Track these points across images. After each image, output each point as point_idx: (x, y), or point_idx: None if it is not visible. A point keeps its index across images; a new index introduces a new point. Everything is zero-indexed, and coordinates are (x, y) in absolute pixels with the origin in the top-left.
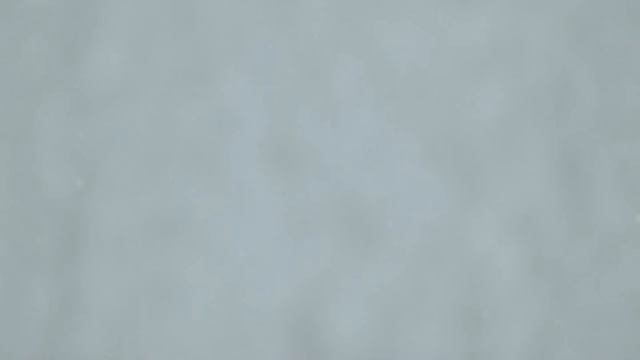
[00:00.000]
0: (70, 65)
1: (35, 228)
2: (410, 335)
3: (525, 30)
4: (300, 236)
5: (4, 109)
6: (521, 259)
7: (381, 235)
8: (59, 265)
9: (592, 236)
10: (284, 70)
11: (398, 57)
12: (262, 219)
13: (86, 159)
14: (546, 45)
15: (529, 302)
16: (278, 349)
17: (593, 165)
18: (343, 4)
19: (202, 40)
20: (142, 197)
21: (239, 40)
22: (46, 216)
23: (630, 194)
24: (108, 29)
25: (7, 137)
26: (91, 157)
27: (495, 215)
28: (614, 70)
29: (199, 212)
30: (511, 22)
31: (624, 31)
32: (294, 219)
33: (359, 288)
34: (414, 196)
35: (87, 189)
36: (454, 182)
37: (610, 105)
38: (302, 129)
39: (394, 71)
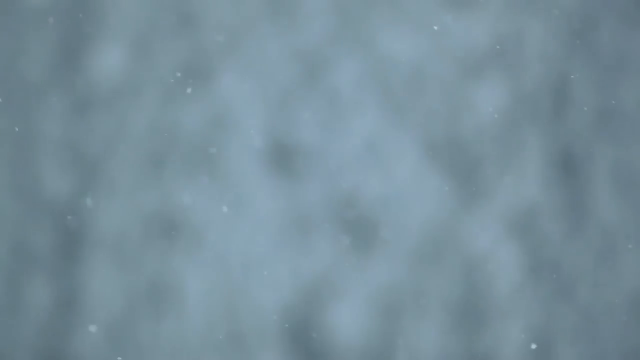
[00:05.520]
0: (70, 65)
1: (35, 228)
2: (410, 335)
3: (524, 30)
4: (300, 236)
5: (4, 109)
6: (521, 258)
7: (381, 235)
8: (59, 265)
9: (592, 236)
10: (284, 70)
11: (398, 57)
12: (262, 218)
13: (86, 159)
14: (545, 45)
15: (529, 302)
16: (277, 349)
17: (592, 165)
18: (343, 4)
19: (202, 40)
20: (142, 197)
21: (239, 40)
22: (46, 216)
23: (630, 193)
24: (108, 28)
25: (7, 137)
26: (91, 157)
27: (495, 215)
28: (613, 70)
29: (199, 212)
30: (511, 22)
31: (623, 31)
32: (294, 219)
33: (358, 288)
34: (414, 196)
35: (87, 189)
36: (453, 182)
37: (609, 105)
38: (302, 129)
39: (394, 71)
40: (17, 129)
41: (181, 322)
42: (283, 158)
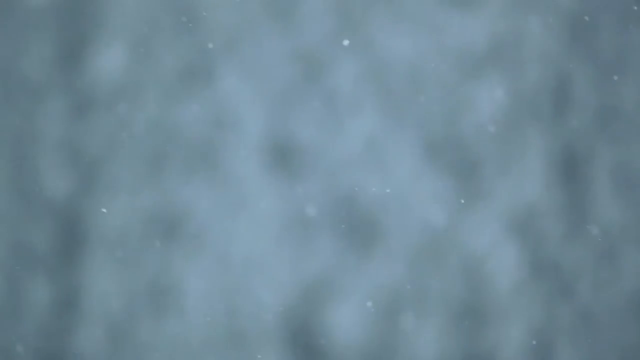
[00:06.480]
0: (70, 65)
1: (35, 228)
2: (410, 335)
3: (524, 30)
4: (300, 236)
5: (4, 109)
6: (521, 258)
7: (381, 235)
8: (59, 265)
9: (592, 236)
10: (284, 70)
11: (398, 57)
12: (262, 218)
13: (86, 159)
14: (545, 45)
15: (529, 302)
16: (278, 349)
17: (592, 165)
18: (343, 4)
19: (202, 40)
20: (142, 197)
21: (239, 40)
22: (46, 216)
23: (630, 193)
24: (108, 28)
25: (7, 137)
26: (91, 157)
27: (495, 215)
28: (613, 70)
29: (199, 212)
30: (511, 22)
31: (623, 31)
32: (294, 218)
33: (359, 288)
34: (414, 196)
35: (87, 189)
36: (453, 182)
37: (610, 105)
38: (302, 129)
39: (394, 71)
40: (17, 129)
41: (181, 322)
42: (283, 158)
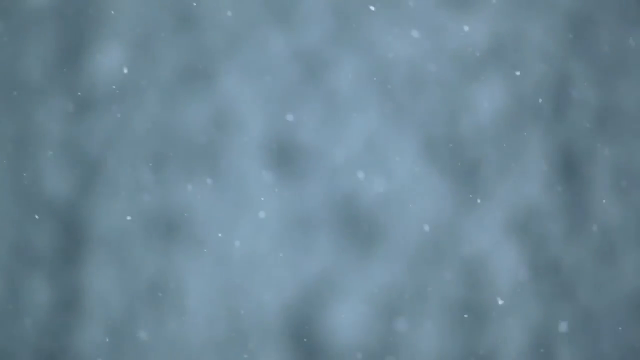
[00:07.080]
0: (70, 65)
1: (36, 228)
2: (410, 335)
3: (525, 30)
4: (300, 236)
5: (4, 109)
6: (521, 258)
7: (381, 235)
8: (59, 265)
9: (592, 236)
10: (285, 70)
11: (398, 57)
12: (263, 218)
13: (86, 159)
14: (546, 45)
15: (529, 302)
16: (278, 349)
17: (592, 165)
18: (343, 4)
19: (202, 40)
20: (142, 197)
21: (239, 40)
22: (46, 216)
23: (630, 193)
24: (108, 28)
25: (8, 137)
26: (91, 157)
27: (495, 215)
28: (614, 70)
29: (199, 212)
30: (511, 22)
31: (623, 30)
32: (294, 218)
33: (359, 288)
34: (414, 196)
35: (87, 189)
36: (453, 182)
37: (610, 105)
38: (302, 129)
39: (394, 71)
40: (17, 129)
41: (182, 322)
42: (284, 158)
